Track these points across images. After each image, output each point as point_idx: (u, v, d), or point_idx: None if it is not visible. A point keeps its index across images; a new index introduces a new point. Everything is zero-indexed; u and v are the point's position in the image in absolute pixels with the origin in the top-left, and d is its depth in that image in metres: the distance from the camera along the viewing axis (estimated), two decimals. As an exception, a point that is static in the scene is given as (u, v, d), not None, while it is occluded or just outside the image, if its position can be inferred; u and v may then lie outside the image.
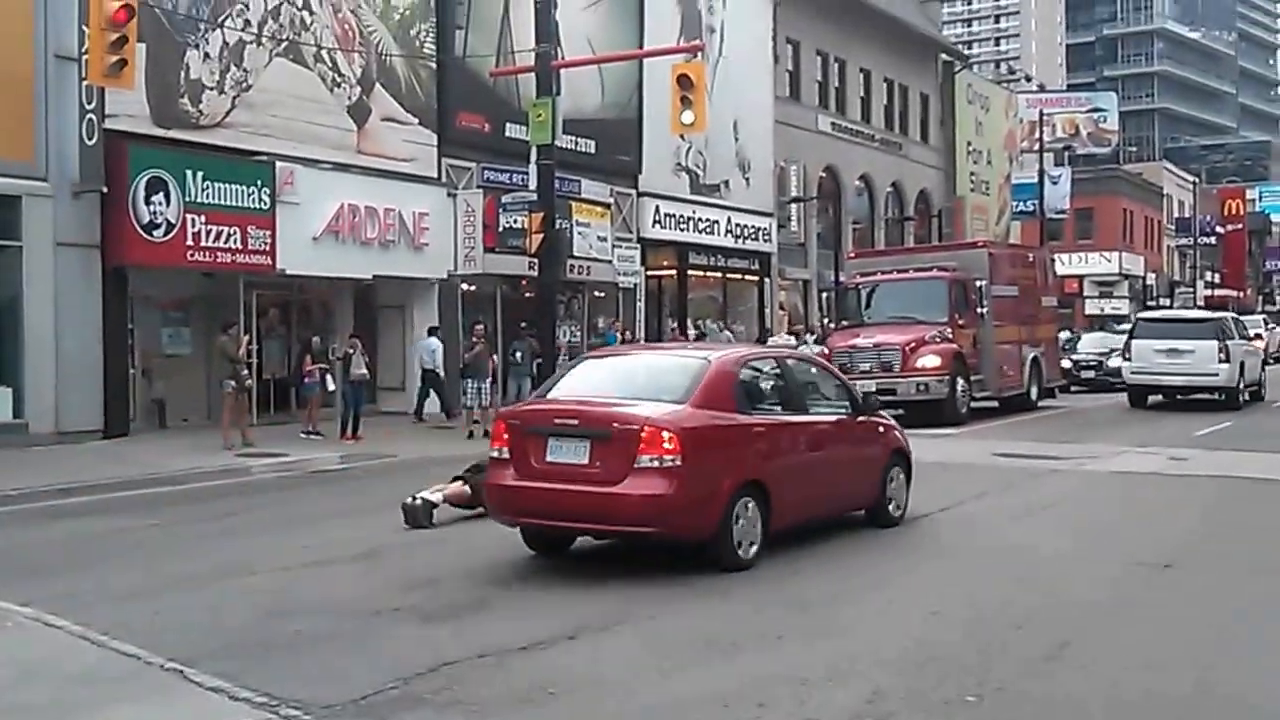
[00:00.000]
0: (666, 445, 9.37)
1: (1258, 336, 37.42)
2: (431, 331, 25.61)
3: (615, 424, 9.64)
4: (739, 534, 9.71)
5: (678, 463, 9.34)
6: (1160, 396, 27.49)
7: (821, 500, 11.21)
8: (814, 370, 12.55)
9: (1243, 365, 27.29)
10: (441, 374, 25.17)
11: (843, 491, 11.55)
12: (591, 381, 11.01)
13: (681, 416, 9.69)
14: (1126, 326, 35.76)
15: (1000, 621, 7.96)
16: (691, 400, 9.91)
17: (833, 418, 11.61)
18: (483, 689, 6.72)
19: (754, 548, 9.82)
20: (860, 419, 11.86)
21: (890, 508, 11.89)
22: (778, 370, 11.61)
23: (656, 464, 9.33)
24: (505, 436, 10.15)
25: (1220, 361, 26.16)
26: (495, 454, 10.27)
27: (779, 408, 11.03)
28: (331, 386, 22.35)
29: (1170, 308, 55.75)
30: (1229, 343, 26.74)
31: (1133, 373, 27.50)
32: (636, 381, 10.68)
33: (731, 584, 9.20)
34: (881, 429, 12.24)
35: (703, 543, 9.69)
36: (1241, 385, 27.12)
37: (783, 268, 41.04)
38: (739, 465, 9.93)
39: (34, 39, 20.22)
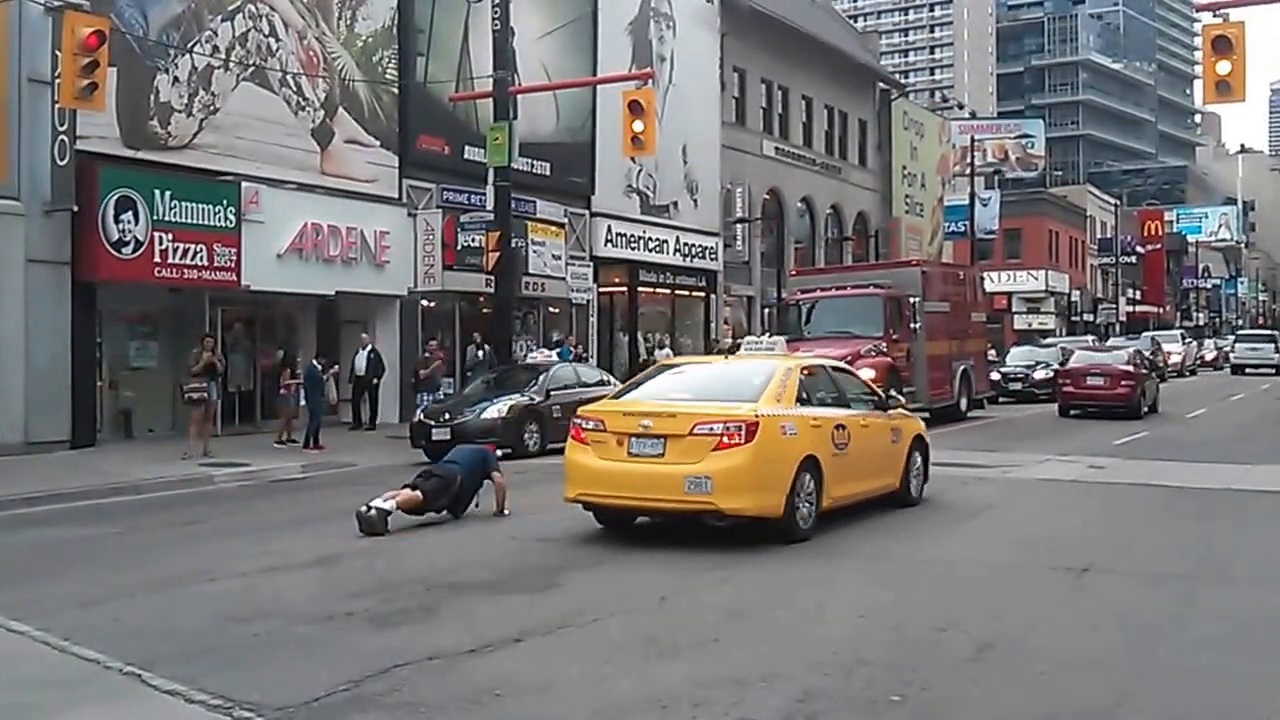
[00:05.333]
0: (1130, 378, 27.57)
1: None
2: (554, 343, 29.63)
3: (1117, 371, 27.68)
4: (1145, 404, 27.88)
5: (1133, 385, 27.51)
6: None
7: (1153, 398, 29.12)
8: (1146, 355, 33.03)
9: None
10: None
11: (1154, 393, 29.37)
12: (1089, 359, 28.99)
13: (1131, 370, 27.95)
14: (1052, 340, 46.97)
15: (926, 624, 7.95)
16: (1130, 364, 28.17)
17: (1148, 370, 29.91)
18: (432, 691, 6.66)
19: (1149, 408, 28.22)
20: (1153, 371, 32.34)
21: (1154, 405, 29.01)
22: (1144, 353, 31.86)
23: (1128, 385, 27.37)
24: (1067, 379, 28.46)
25: (1275, 354, 52.97)
26: (1062, 380, 28.95)
27: (1144, 367, 29.53)
28: (334, 398, 22.80)
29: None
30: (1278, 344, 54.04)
31: (1235, 359, 54.46)
32: (1111, 357, 29.16)
33: (670, 591, 9.17)
34: (1153, 371, 31.73)
35: (1136, 409, 27.07)
36: None
37: (728, 285, 41.17)
38: (1141, 383, 27.92)
39: (7, 63, 19.98)
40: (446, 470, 13.07)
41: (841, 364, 14.97)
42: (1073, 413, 27.53)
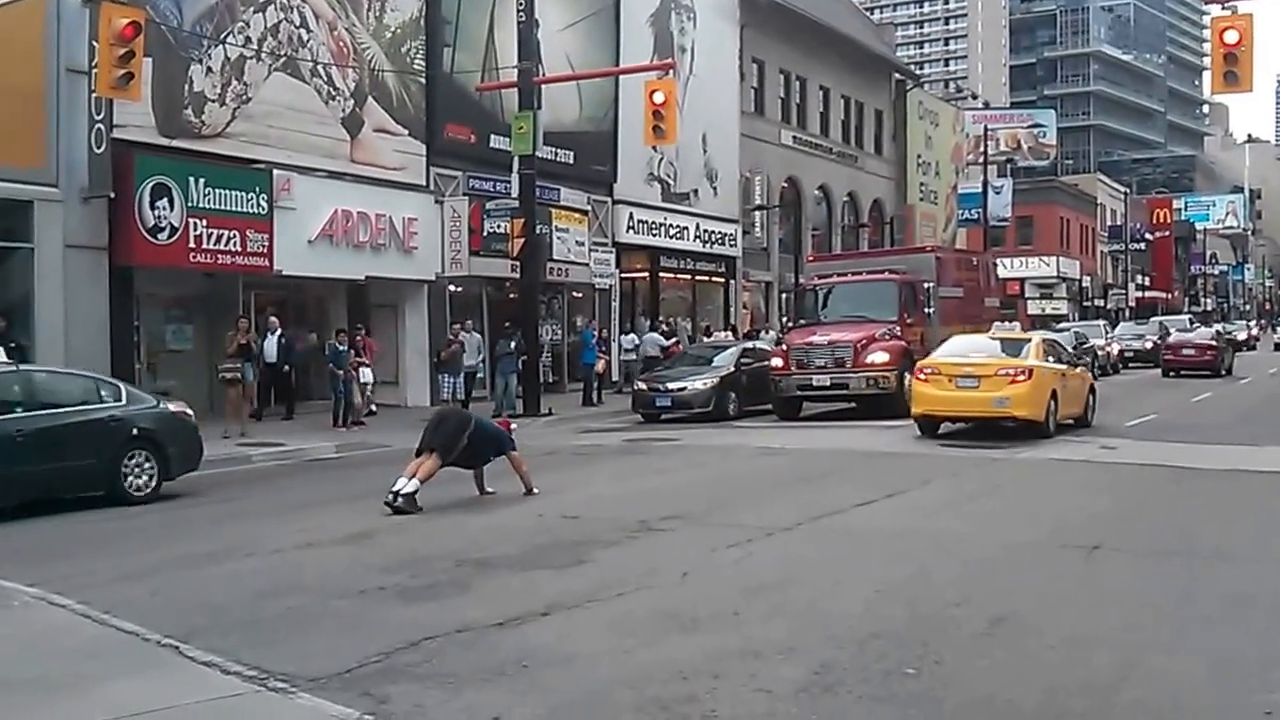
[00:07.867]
0: (1213, 349, 36.43)
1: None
2: (653, 327, 32.69)
3: (1203, 344, 36.94)
4: (1224, 367, 36.47)
5: (1215, 353, 36.46)
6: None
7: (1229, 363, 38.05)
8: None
9: None
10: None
11: (1230, 359, 37.79)
12: (1182, 338, 38.16)
13: (1214, 344, 37.04)
14: (1065, 325, 46.61)
15: (940, 600, 7.94)
16: (1213, 340, 37.51)
17: (1226, 344, 39.67)
18: (460, 662, 6.69)
19: (1226, 371, 36.83)
20: (1231, 345, 41.44)
21: (1230, 368, 36.87)
22: (1221, 332, 44.33)
23: (1211, 353, 36.11)
24: (1169, 350, 36.85)
25: None
26: (1165, 351, 37.41)
27: (1223, 342, 39.28)
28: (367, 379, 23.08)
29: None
30: None
31: (1277, 339, 64.14)
32: (1198, 335, 39.10)
33: (691, 568, 9.18)
34: (1230, 345, 41.31)
35: (1218, 370, 35.93)
36: None
37: (747, 270, 41.10)
38: (1220, 353, 36.96)
39: (46, 53, 20.03)
40: (456, 415, 13.19)
41: (1053, 335, 23.57)
42: (1171, 374, 35.75)
